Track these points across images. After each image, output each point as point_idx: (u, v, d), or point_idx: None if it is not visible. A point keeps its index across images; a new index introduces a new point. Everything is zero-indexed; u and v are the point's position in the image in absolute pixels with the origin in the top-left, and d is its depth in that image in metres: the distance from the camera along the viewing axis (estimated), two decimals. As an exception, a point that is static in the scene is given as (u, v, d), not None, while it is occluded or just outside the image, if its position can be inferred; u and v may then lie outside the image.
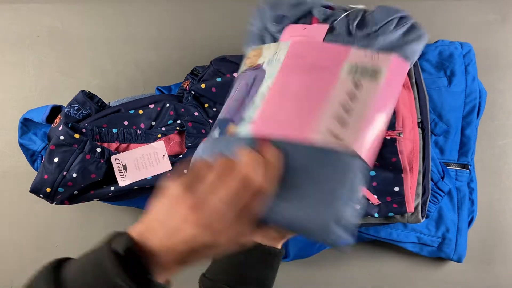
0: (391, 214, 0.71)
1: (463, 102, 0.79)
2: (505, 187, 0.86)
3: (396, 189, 0.70)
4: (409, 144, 0.71)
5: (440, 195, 0.76)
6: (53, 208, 0.90)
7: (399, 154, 0.68)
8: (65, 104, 0.74)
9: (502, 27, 0.87)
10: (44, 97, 0.93)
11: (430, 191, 0.72)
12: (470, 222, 0.81)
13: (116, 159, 0.69)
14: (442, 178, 0.77)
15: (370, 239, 0.82)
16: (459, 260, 0.80)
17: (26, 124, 0.77)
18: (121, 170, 0.70)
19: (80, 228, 0.91)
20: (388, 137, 0.69)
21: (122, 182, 0.69)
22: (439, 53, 0.80)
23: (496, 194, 0.86)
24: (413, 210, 0.70)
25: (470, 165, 0.80)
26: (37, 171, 0.80)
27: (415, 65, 0.74)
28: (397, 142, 0.69)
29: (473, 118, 0.79)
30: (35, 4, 0.94)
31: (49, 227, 0.92)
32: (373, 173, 0.71)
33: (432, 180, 0.76)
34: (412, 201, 0.70)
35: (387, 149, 0.69)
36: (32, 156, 0.79)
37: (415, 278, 0.86)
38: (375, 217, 0.71)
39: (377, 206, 0.71)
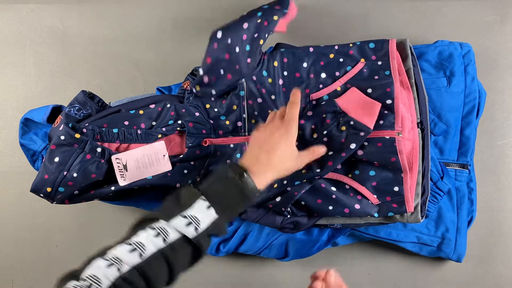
0: (390, 214, 0.71)
1: (462, 102, 0.79)
2: (504, 187, 0.86)
3: (396, 189, 0.70)
4: (409, 144, 0.71)
5: (440, 195, 0.77)
6: (53, 208, 0.90)
7: (399, 154, 0.69)
8: (65, 104, 0.74)
9: (501, 27, 0.87)
10: (45, 97, 0.93)
11: (429, 191, 0.72)
12: (469, 222, 0.81)
13: (116, 158, 0.69)
14: (442, 178, 0.77)
15: (370, 238, 0.82)
16: (458, 260, 0.80)
17: (26, 124, 0.77)
18: (121, 169, 0.70)
19: (80, 228, 0.92)
20: (388, 137, 0.69)
21: (122, 182, 0.70)
22: (438, 53, 0.80)
23: (496, 194, 0.86)
24: (412, 210, 0.70)
25: (470, 165, 0.80)
26: (37, 171, 0.80)
27: (414, 65, 0.74)
28: (396, 142, 0.69)
29: (473, 118, 0.79)
30: (35, 5, 0.94)
31: (49, 227, 0.92)
32: (372, 172, 0.71)
33: (431, 180, 0.76)
34: (411, 201, 0.70)
35: (386, 148, 0.69)
36: (32, 156, 0.79)
37: (414, 278, 0.86)
38: (374, 217, 0.71)
39: (377, 205, 0.71)
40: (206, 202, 0.54)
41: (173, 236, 0.52)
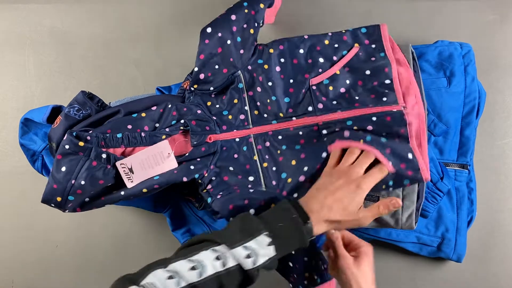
0: (406, 181, 0.68)
1: (462, 103, 0.79)
2: (504, 187, 0.86)
3: (410, 156, 0.67)
4: (415, 121, 0.70)
5: (439, 196, 0.77)
6: (53, 208, 0.90)
7: (408, 126, 0.68)
8: (65, 104, 0.74)
9: (501, 27, 0.87)
10: (44, 97, 0.93)
11: (423, 197, 0.71)
12: (469, 222, 0.81)
13: (121, 164, 0.69)
14: (442, 178, 0.77)
15: (370, 239, 0.82)
16: (458, 260, 0.80)
17: (26, 124, 0.77)
18: (128, 173, 0.69)
19: (80, 228, 0.92)
20: (395, 110, 0.69)
21: (130, 184, 0.69)
22: (438, 53, 0.80)
23: (495, 194, 0.86)
24: (429, 178, 0.68)
25: (469, 165, 0.80)
26: (37, 171, 0.80)
27: (416, 71, 0.74)
28: (405, 114, 0.69)
29: (473, 119, 0.79)
30: (35, 5, 0.94)
31: (49, 227, 0.92)
32: (384, 139, 0.68)
33: (431, 180, 0.76)
34: (427, 168, 0.68)
35: (396, 121, 0.69)
36: (32, 156, 0.79)
37: (414, 278, 0.86)
38: (389, 185, 0.68)
39: (392, 174, 0.67)
40: (269, 238, 0.56)
41: (231, 263, 0.54)
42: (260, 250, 0.55)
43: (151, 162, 0.71)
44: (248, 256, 0.54)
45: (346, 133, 0.69)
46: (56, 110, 0.75)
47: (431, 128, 0.78)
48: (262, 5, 0.75)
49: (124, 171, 0.69)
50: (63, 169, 0.66)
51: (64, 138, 0.67)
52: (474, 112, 0.79)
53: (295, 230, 0.58)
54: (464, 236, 0.80)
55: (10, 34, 0.94)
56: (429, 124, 0.77)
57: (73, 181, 0.66)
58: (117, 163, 0.69)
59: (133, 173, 0.70)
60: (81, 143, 0.66)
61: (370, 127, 0.69)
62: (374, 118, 0.69)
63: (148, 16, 0.93)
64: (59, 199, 0.67)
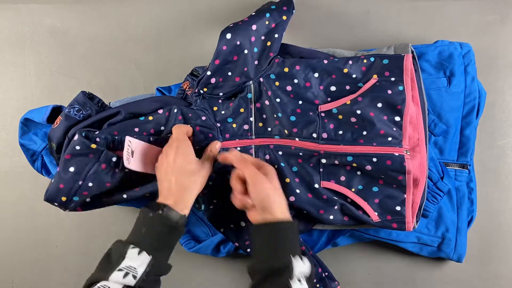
0: (390, 229, 0.71)
1: (462, 103, 0.79)
2: (504, 187, 0.86)
3: (398, 208, 0.69)
4: (416, 160, 0.70)
5: (440, 195, 0.77)
6: (53, 208, 0.90)
7: (406, 174, 0.67)
8: (65, 104, 0.74)
9: (502, 27, 0.87)
10: (44, 97, 0.93)
11: (425, 198, 0.72)
12: (469, 222, 0.81)
13: (129, 141, 0.68)
14: (442, 178, 0.77)
15: (370, 239, 0.82)
16: (459, 260, 0.80)
17: (26, 124, 0.77)
18: (129, 154, 0.68)
19: (80, 228, 0.92)
20: (397, 154, 0.68)
21: (126, 164, 0.68)
22: (438, 53, 0.80)
23: (496, 194, 0.86)
24: (411, 229, 0.70)
25: (470, 165, 0.80)
26: (37, 171, 0.80)
27: (416, 70, 0.73)
28: (406, 161, 0.67)
29: (473, 118, 0.79)
30: (35, 4, 0.94)
31: (49, 227, 0.92)
32: (376, 189, 0.70)
33: (431, 180, 0.76)
34: (412, 222, 0.69)
35: (395, 166, 0.68)
36: (32, 156, 0.79)
37: (414, 278, 0.86)
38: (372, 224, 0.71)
39: (376, 223, 0.70)
40: (136, 248, 0.57)
41: None
42: (134, 263, 0.56)
43: (153, 160, 0.71)
44: (126, 275, 0.55)
45: (343, 178, 0.71)
46: (56, 110, 0.75)
47: (431, 128, 0.78)
48: (284, 17, 0.74)
49: (127, 149, 0.68)
50: (72, 169, 0.66)
51: (75, 138, 0.66)
52: (474, 112, 0.79)
53: (157, 225, 0.59)
54: (465, 236, 0.80)
55: (10, 34, 0.94)
56: (429, 123, 0.77)
57: (80, 182, 0.66)
58: (126, 137, 0.68)
59: (132, 157, 0.69)
60: (93, 146, 0.66)
61: (369, 167, 0.69)
62: (374, 159, 0.68)
63: (148, 16, 0.92)
64: (64, 199, 0.66)
